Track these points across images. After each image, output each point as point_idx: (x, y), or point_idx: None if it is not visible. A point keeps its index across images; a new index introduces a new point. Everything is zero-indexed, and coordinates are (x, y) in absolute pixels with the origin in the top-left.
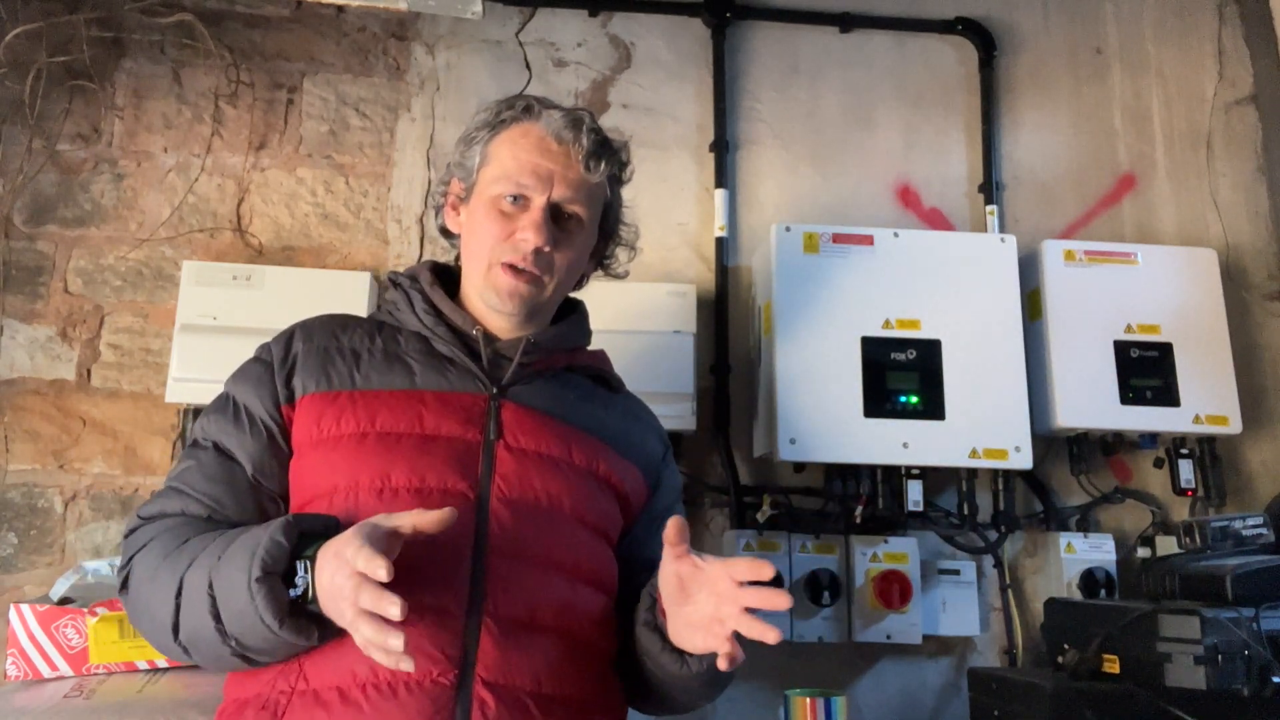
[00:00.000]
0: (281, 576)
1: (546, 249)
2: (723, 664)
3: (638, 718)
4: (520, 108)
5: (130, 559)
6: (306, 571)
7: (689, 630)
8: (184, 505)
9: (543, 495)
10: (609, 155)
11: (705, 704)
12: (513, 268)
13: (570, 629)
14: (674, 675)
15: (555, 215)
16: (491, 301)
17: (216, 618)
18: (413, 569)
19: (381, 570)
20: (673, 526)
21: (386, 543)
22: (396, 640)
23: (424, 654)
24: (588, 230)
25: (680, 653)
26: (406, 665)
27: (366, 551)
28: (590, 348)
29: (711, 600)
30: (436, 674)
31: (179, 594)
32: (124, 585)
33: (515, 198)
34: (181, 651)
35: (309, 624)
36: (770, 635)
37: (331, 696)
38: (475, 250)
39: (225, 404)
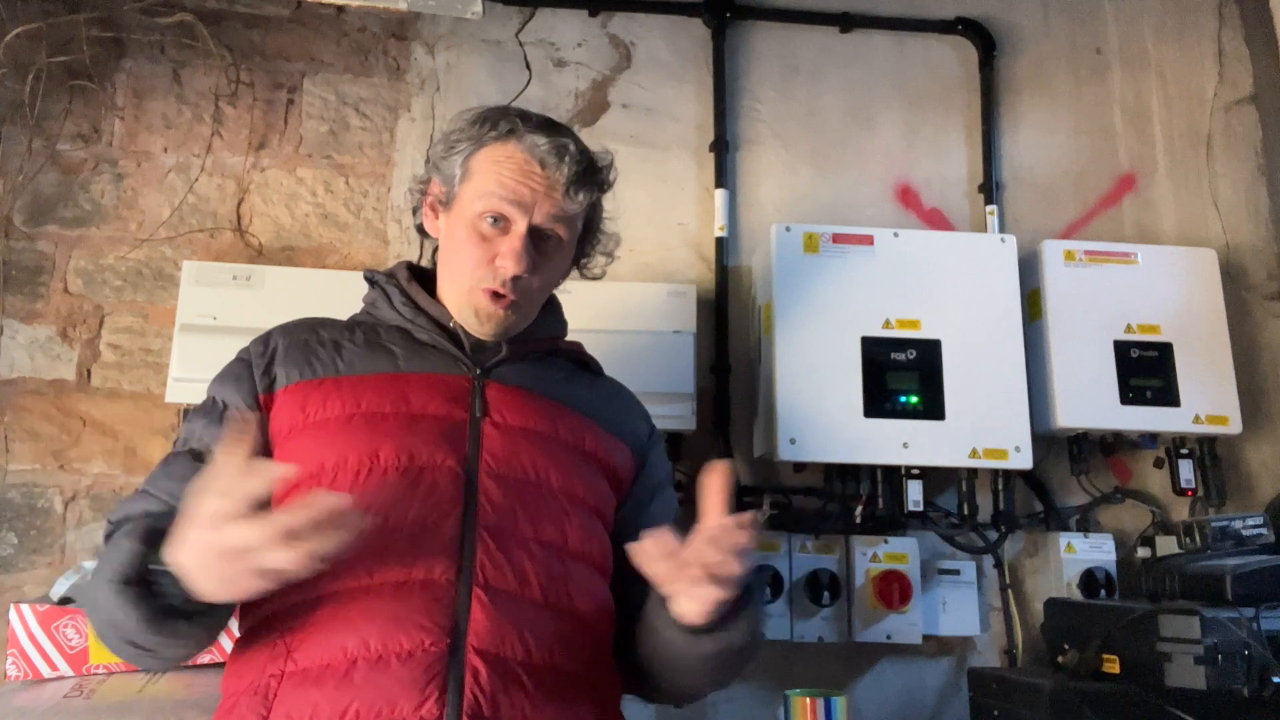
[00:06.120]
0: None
1: (525, 276)
2: (692, 610)
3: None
4: (505, 129)
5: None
6: (165, 573)
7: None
8: (145, 506)
9: (530, 470)
10: (590, 181)
11: (715, 688)
12: (493, 293)
13: (560, 603)
14: (682, 653)
15: (534, 236)
16: (470, 321)
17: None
18: (402, 542)
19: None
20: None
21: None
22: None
23: (416, 624)
24: (567, 247)
25: (691, 630)
26: (363, 521)
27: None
28: (584, 345)
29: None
30: (428, 643)
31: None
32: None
33: (495, 219)
34: (140, 651)
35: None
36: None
37: (322, 674)
38: (455, 269)
39: (206, 405)
